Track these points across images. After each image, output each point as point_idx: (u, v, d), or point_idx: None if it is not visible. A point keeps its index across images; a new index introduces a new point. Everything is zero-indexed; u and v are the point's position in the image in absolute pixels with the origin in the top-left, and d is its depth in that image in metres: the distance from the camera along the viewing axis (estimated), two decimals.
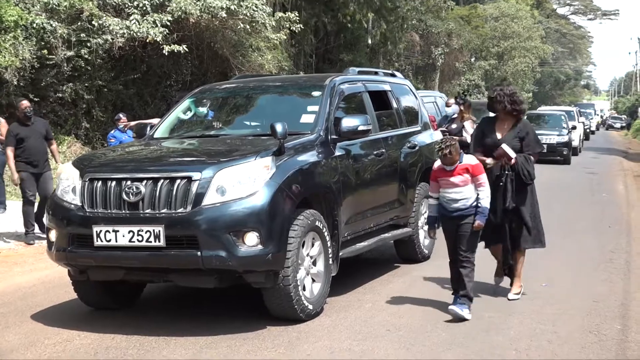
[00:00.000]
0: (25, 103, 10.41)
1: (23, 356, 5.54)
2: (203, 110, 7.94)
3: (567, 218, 12.14)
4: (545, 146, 22.93)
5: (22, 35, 14.99)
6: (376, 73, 9.19)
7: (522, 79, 50.18)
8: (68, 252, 6.05)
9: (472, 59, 47.23)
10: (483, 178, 6.40)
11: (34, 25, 15.34)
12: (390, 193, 7.95)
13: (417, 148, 8.58)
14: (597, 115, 60.96)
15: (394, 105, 8.61)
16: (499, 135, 6.93)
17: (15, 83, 14.91)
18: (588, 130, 41.72)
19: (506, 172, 6.79)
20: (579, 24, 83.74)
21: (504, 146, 6.75)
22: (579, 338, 5.75)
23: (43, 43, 15.67)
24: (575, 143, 26.23)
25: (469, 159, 6.47)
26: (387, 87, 8.64)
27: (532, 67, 50.26)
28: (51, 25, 15.59)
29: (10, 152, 10.05)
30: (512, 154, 6.73)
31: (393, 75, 9.46)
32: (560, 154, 23.47)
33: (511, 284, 7.08)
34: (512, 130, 6.93)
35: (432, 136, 9.31)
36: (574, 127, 25.74)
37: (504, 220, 6.86)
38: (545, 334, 5.84)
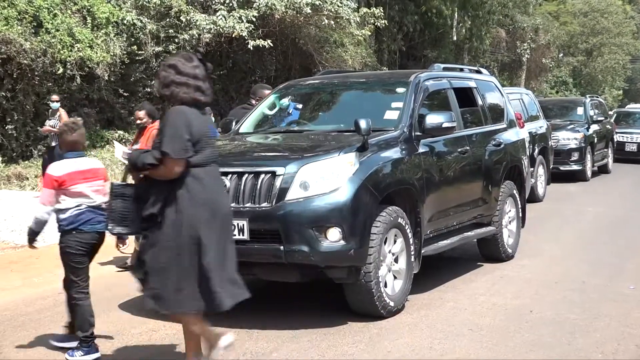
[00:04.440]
0: (267, 93, 8.61)
1: (110, 344, 5.71)
2: (285, 102, 7.91)
3: None
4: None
5: (114, 31, 15.46)
6: (461, 69, 9.06)
7: (612, 75, 48.78)
8: None
9: (560, 55, 46.13)
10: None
11: (125, 21, 15.79)
12: (474, 191, 7.86)
13: (502, 146, 8.44)
14: None
15: (479, 102, 8.51)
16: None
17: (106, 78, 15.37)
18: None
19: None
20: None
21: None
22: None
23: (133, 39, 16.12)
24: None
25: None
26: (472, 84, 8.53)
27: (622, 64, 48.73)
28: (141, 21, 16.03)
29: None
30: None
31: (478, 71, 9.34)
32: None
33: None
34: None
35: (518, 134, 9.16)
36: None
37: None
38: (633, 338, 5.67)
